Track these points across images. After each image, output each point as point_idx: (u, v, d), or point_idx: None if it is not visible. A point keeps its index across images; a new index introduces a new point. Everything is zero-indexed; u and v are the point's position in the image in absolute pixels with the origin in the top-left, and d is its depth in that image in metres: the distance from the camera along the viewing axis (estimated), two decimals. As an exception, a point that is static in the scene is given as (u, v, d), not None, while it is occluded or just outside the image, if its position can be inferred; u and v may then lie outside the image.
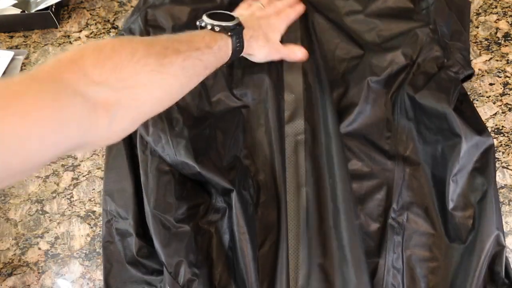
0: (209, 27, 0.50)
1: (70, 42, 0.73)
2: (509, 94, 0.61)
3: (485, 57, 0.64)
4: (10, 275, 0.55)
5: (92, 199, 0.59)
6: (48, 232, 0.57)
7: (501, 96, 0.61)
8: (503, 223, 0.51)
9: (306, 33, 0.63)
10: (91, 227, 0.57)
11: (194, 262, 0.50)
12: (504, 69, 0.63)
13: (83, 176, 0.61)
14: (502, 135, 0.59)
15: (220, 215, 0.54)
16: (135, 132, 0.59)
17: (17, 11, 0.72)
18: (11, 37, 0.74)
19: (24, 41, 0.73)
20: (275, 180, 0.54)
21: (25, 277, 0.55)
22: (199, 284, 0.49)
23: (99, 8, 0.76)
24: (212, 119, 0.60)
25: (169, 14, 0.64)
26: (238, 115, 0.60)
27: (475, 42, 0.66)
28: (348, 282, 0.47)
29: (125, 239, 0.53)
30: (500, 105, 0.61)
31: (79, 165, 0.62)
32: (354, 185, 0.54)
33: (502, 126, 0.59)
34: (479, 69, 0.63)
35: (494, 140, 0.55)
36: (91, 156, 0.62)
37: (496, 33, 0.66)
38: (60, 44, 0.73)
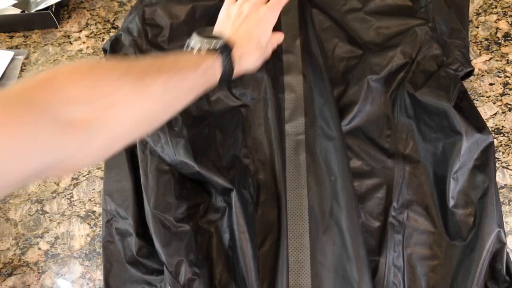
0: (196, 47, 0.48)
1: (70, 42, 0.73)
2: (509, 94, 0.61)
3: (485, 57, 0.64)
4: (10, 275, 0.55)
5: (92, 199, 0.59)
6: (48, 232, 0.57)
7: (501, 96, 0.61)
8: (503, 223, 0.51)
9: (305, 31, 0.63)
10: (91, 227, 0.57)
11: (194, 261, 0.50)
12: (504, 69, 0.63)
13: (83, 176, 0.61)
14: (502, 135, 0.59)
15: (220, 214, 0.54)
16: (135, 132, 0.59)
17: (17, 11, 0.72)
18: (11, 37, 0.74)
19: (24, 41, 0.73)
20: (275, 179, 0.54)
21: (25, 277, 0.55)
22: (200, 284, 0.49)
23: (99, 8, 0.76)
24: (211, 118, 0.60)
25: (167, 12, 0.64)
26: (237, 114, 0.60)
27: (475, 42, 0.66)
28: (350, 280, 0.47)
29: (125, 239, 0.53)
30: (500, 105, 0.61)
31: (79, 165, 0.62)
32: (355, 183, 0.54)
33: (502, 126, 0.59)
34: (479, 69, 0.64)
35: (494, 140, 0.56)
36: (91, 156, 0.62)
37: (496, 33, 0.66)
38: (60, 44, 0.73)
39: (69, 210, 0.58)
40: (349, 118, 0.57)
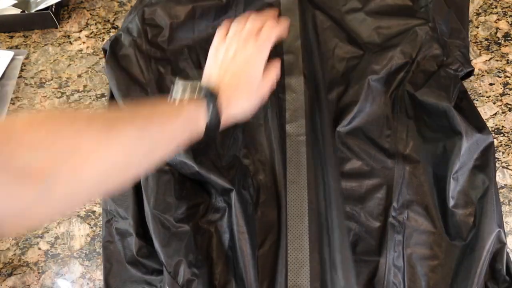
0: (179, 95, 0.45)
1: (70, 42, 0.73)
2: (509, 94, 0.61)
3: (485, 57, 0.64)
4: (10, 275, 0.55)
5: (92, 199, 0.59)
6: (48, 232, 0.57)
7: (501, 96, 0.61)
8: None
9: (305, 32, 0.63)
10: (91, 227, 0.57)
11: (193, 262, 0.50)
12: (504, 69, 0.63)
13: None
14: (502, 135, 0.59)
15: (220, 214, 0.54)
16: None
17: (17, 11, 0.72)
18: (11, 37, 0.74)
19: (24, 41, 0.73)
20: (275, 180, 0.54)
21: (25, 277, 0.55)
22: (199, 284, 0.49)
23: (99, 8, 0.76)
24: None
25: (167, 12, 0.64)
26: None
27: (475, 42, 0.66)
28: (336, 283, 0.47)
29: (125, 239, 0.53)
30: (500, 105, 0.61)
31: (79, 165, 0.62)
32: (354, 184, 0.54)
33: (502, 126, 0.59)
34: (479, 69, 0.63)
35: (494, 140, 0.56)
36: (91, 156, 0.62)
37: (496, 33, 0.66)
38: (60, 44, 0.73)
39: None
40: (349, 118, 0.56)
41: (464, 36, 0.61)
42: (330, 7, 0.66)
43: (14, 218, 0.30)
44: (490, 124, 0.59)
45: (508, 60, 0.64)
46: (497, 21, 0.67)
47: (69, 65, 0.70)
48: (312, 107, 0.58)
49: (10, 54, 0.71)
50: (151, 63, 0.62)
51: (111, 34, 0.73)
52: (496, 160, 0.54)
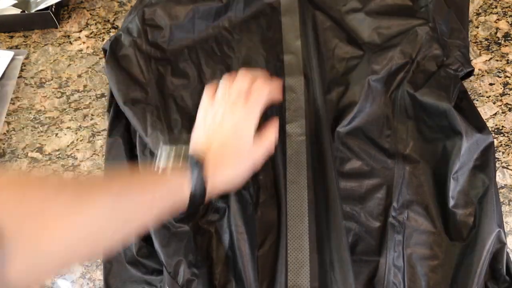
0: (162, 162, 0.43)
1: (70, 42, 0.73)
2: (509, 94, 0.61)
3: (485, 57, 0.64)
4: (9, 275, 0.55)
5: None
6: (48, 232, 0.57)
7: (501, 96, 0.61)
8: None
9: (305, 32, 0.63)
10: (91, 227, 0.57)
11: (193, 262, 0.50)
12: (504, 69, 0.63)
13: (83, 176, 0.61)
14: (502, 135, 0.59)
15: (219, 215, 0.54)
16: (134, 132, 0.59)
17: (17, 11, 0.72)
18: (11, 37, 0.74)
19: (24, 41, 0.73)
20: (275, 180, 0.54)
21: (25, 277, 0.55)
22: (199, 284, 0.49)
23: (99, 8, 0.76)
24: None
25: (167, 12, 0.64)
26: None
27: (475, 42, 0.66)
28: (335, 284, 0.47)
29: (125, 239, 0.53)
30: (500, 105, 0.61)
31: (79, 165, 0.62)
32: (354, 184, 0.54)
33: (502, 126, 0.59)
34: (479, 69, 0.63)
35: (494, 140, 0.56)
36: (91, 156, 0.62)
37: (496, 33, 0.66)
38: (60, 44, 0.73)
39: (69, 210, 0.58)
40: (349, 118, 0.56)
41: (464, 36, 0.61)
42: (330, 7, 0.66)
43: None
44: (490, 124, 0.59)
45: (508, 60, 0.64)
46: (497, 21, 0.67)
47: (69, 65, 0.70)
48: (312, 107, 0.58)
49: (10, 54, 0.71)
50: (151, 63, 0.62)
51: (111, 34, 0.73)
52: (496, 160, 0.54)
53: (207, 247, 0.53)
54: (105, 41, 0.71)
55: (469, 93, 0.60)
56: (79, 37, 0.73)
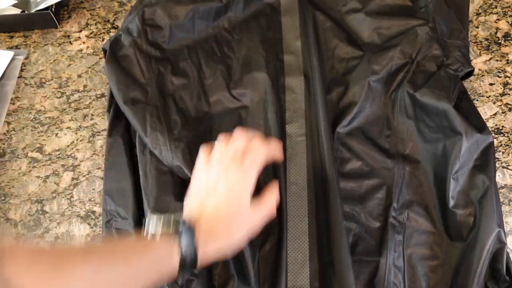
0: (151, 229, 0.40)
1: (70, 42, 0.73)
2: (509, 94, 0.61)
3: (485, 57, 0.64)
4: (9, 275, 0.55)
5: (92, 199, 0.59)
6: (48, 232, 0.57)
7: (501, 96, 0.61)
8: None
9: (305, 32, 0.63)
10: (91, 227, 0.57)
11: (193, 262, 0.50)
12: (504, 69, 0.63)
13: (83, 176, 0.61)
14: (502, 135, 0.59)
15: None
16: (134, 132, 0.59)
17: (17, 11, 0.72)
18: (11, 37, 0.74)
19: (24, 41, 0.73)
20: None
21: (25, 277, 0.55)
22: (198, 284, 0.49)
23: (99, 8, 0.76)
24: (210, 120, 0.59)
25: (167, 12, 0.64)
26: (237, 116, 0.59)
27: (475, 42, 0.66)
28: (335, 284, 0.47)
29: (125, 239, 0.53)
30: (500, 105, 0.61)
31: (79, 165, 0.62)
32: (354, 184, 0.54)
33: (502, 126, 0.59)
34: (479, 69, 0.63)
35: (494, 140, 0.56)
36: (91, 156, 0.62)
37: (496, 33, 0.66)
38: (60, 44, 0.73)
39: (69, 210, 0.58)
40: (349, 118, 0.56)
41: (464, 36, 0.61)
42: (330, 8, 0.66)
43: None
44: (490, 124, 0.59)
45: (508, 60, 0.64)
46: (497, 21, 0.67)
47: (69, 65, 0.70)
48: (312, 108, 0.58)
49: (10, 54, 0.71)
50: (151, 63, 0.62)
51: (111, 34, 0.73)
52: (496, 160, 0.54)
53: (207, 247, 0.52)
54: (105, 41, 0.71)
55: (469, 93, 0.60)
56: (79, 37, 0.73)
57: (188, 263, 0.38)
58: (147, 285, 0.37)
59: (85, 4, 0.76)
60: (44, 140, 0.64)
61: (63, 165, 0.62)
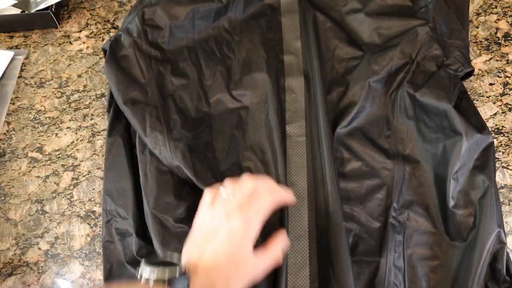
0: (145, 275, 0.38)
1: (70, 42, 0.73)
2: (509, 94, 0.61)
3: (485, 57, 0.64)
4: (10, 275, 0.55)
5: (92, 199, 0.59)
6: (48, 232, 0.57)
7: (501, 96, 0.61)
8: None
9: (306, 32, 0.63)
10: (91, 227, 0.57)
11: (193, 262, 0.50)
12: (504, 69, 0.63)
13: (83, 176, 0.61)
14: (502, 135, 0.59)
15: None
16: (134, 132, 0.59)
17: (17, 11, 0.72)
18: (11, 37, 0.74)
19: (24, 41, 0.73)
20: (277, 181, 0.54)
21: (25, 277, 0.55)
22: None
23: (99, 8, 0.76)
24: (210, 120, 0.59)
25: (167, 13, 0.64)
26: (237, 117, 0.59)
27: (475, 42, 0.66)
28: (335, 285, 0.47)
29: (125, 239, 0.53)
30: (500, 105, 0.61)
31: (79, 165, 0.62)
32: (354, 184, 0.54)
33: (502, 126, 0.59)
34: (479, 69, 0.63)
35: (494, 140, 0.55)
36: (91, 156, 0.62)
37: (496, 33, 0.66)
38: (60, 44, 0.73)
39: (69, 210, 0.58)
40: (349, 119, 0.56)
41: (464, 36, 0.61)
42: (330, 8, 0.66)
43: None
44: (490, 124, 0.59)
45: (508, 60, 0.64)
46: (497, 21, 0.67)
47: (69, 65, 0.70)
48: (312, 108, 0.58)
49: (10, 54, 0.71)
50: (151, 64, 0.62)
51: (111, 34, 0.73)
52: (496, 160, 0.54)
53: (207, 247, 0.52)
54: (105, 41, 0.71)
55: (469, 93, 0.60)
56: (79, 37, 0.73)
57: None
58: None
59: (85, 4, 0.76)
60: (44, 140, 0.64)
61: (63, 165, 0.62)
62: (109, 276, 0.52)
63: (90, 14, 0.75)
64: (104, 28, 0.73)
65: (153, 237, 0.51)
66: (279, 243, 0.44)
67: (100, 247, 0.55)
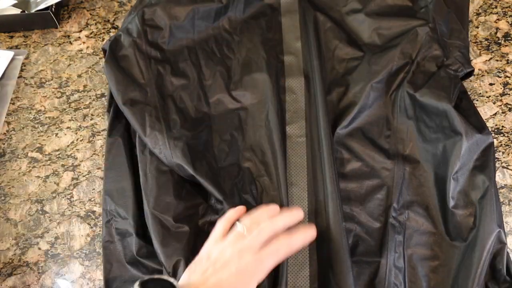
0: None
1: (70, 42, 0.73)
2: (509, 94, 0.61)
3: (485, 57, 0.64)
4: (10, 275, 0.55)
5: (92, 199, 0.59)
6: (48, 232, 0.57)
7: (501, 96, 0.61)
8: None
9: (306, 33, 0.63)
10: (91, 227, 0.57)
11: (193, 262, 0.50)
12: (504, 69, 0.63)
13: (83, 176, 0.61)
14: (502, 135, 0.59)
15: (219, 215, 0.54)
16: (134, 132, 0.59)
17: (17, 11, 0.72)
18: (11, 37, 0.74)
19: (24, 41, 0.73)
20: (277, 182, 0.54)
21: (25, 277, 0.55)
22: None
23: (99, 8, 0.76)
24: (210, 120, 0.59)
25: (167, 13, 0.64)
26: (237, 117, 0.60)
27: (475, 42, 0.66)
28: (333, 284, 0.47)
29: (125, 239, 0.53)
30: (500, 105, 0.61)
31: (79, 165, 0.62)
32: (355, 185, 0.54)
33: (502, 126, 0.59)
34: (479, 69, 0.63)
35: (494, 140, 0.55)
36: (91, 156, 0.62)
37: (496, 33, 0.66)
38: (60, 44, 0.73)
39: (69, 210, 0.58)
40: (349, 119, 0.56)
41: (464, 36, 0.61)
42: (330, 8, 0.66)
43: None
44: (490, 124, 0.59)
45: (508, 60, 0.64)
46: (497, 21, 0.67)
47: (69, 65, 0.70)
48: (312, 109, 0.58)
49: (10, 54, 0.71)
50: (151, 64, 0.62)
51: (111, 34, 0.73)
52: (496, 160, 0.54)
53: (206, 248, 0.52)
54: (105, 41, 0.71)
55: (469, 93, 0.60)
56: (79, 37, 0.73)
57: None
58: None
59: (85, 4, 0.76)
60: (44, 140, 0.64)
61: (63, 165, 0.62)
62: (109, 276, 0.52)
63: (90, 14, 0.75)
64: (104, 28, 0.73)
65: (153, 237, 0.51)
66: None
67: (100, 247, 0.55)
